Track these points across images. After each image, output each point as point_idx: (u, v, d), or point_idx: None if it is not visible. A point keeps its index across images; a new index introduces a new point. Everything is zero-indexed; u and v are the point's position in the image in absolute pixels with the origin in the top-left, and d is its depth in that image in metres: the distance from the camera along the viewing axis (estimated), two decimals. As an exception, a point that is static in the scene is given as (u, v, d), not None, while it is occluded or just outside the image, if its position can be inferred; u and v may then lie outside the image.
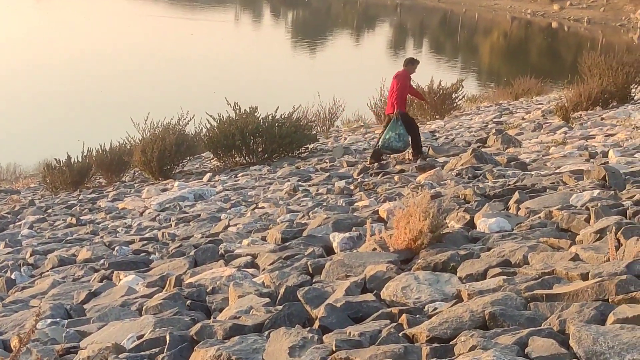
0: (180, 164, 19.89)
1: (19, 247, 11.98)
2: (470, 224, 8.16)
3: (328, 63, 62.39)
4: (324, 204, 11.95)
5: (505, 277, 5.62)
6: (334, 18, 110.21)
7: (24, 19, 79.40)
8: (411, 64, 16.74)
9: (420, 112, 25.70)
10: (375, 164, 15.88)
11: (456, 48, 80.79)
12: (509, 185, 10.29)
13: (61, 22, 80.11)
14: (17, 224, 14.71)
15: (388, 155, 16.49)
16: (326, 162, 17.60)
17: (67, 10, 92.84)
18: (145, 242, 10.70)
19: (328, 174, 15.51)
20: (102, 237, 12.00)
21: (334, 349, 4.68)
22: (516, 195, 8.90)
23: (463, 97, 28.22)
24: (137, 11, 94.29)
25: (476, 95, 36.88)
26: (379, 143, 16.31)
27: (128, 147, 20.16)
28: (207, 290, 7.07)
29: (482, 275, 5.96)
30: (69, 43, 63.40)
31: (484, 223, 7.87)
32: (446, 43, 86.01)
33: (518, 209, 8.52)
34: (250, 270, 7.74)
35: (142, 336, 5.77)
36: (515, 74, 38.38)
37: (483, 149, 15.46)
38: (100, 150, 19.93)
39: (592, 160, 13.01)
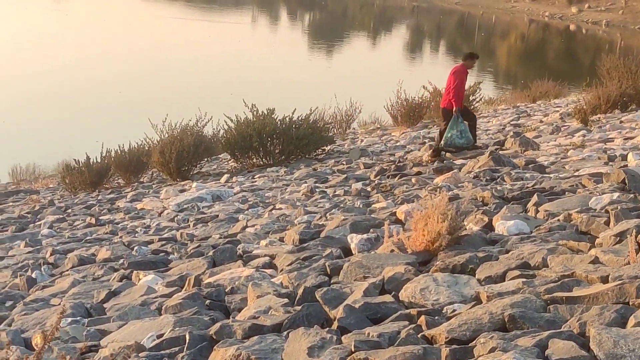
0: (198, 165, 19.95)
1: (39, 247, 12.06)
2: (489, 227, 8.16)
3: (345, 65, 62.40)
4: (341, 205, 11.96)
5: (524, 279, 5.62)
6: (350, 20, 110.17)
7: (43, 20, 79.77)
8: (470, 58, 16.70)
9: (437, 115, 25.68)
10: (436, 161, 15.90)
11: (473, 50, 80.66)
12: (527, 187, 10.28)
13: (80, 24, 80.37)
14: (36, 223, 14.80)
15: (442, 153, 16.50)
16: (343, 164, 17.62)
17: (86, 12, 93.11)
18: (164, 242, 10.75)
19: (345, 175, 15.53)
20: (121, 237, 12.06)
21: (352, 349, 4.70)
22: (535, 198, 8.89)
23: (480, 99, 28.17)
24: (154, 13, 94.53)
25: (494, 97, 36.82)
26: (442, 142, 16.33)
27: (146, 148, 20.21)
28: (226, 290, 7.11)
29: (501, 278, 5.97)
30: (88, 44, 63.65)
31: (503, 225, 7.87)
32: (463, 45, 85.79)
33: (537, 211, 8.51)
34: (269, 271, 7.77)
35: (162, 335, 5.81)
36: (533, 76, 38.30)
37: (501, 152, 15.44)
38: (118, 151, 20.00)
39: (611, 163, 12.97)
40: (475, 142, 16.48)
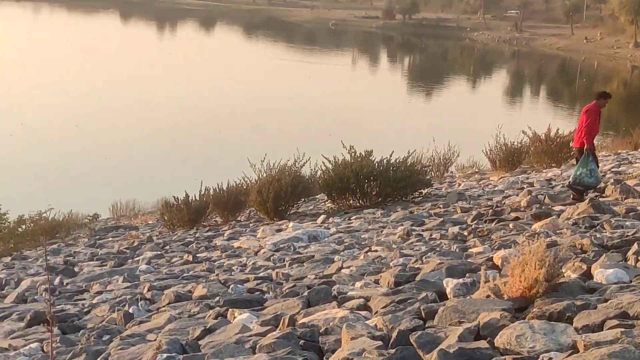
0: (295, 205, 20.06)
1: (136, 282, 12.25)
2: (587, 274, 8.02)
3: (444, 108, 62.29)
4: (437, 249, 11.90)
5: (623, 329, 5.52)
6: (450, 63, 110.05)
7: (149, 60, 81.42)
8: (603, 97, 16.59)
9: (537, 160, 25.44)
10: (577, 199, 15.76)
11: (574, 96, 79.72)
12: (627, 236, 10.08)
13: (184, 63, 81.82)
14: (135, 259, 15.06)
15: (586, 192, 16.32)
16: (440, 207, 17.54)
17: (190, 53, 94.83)
18: (259, 281, 10.82)
19: (442, 219, 15.45)
20: (217, 274, 12.17)
21: (446, 394, 4.67)
22: (635, 247, 8.72)
23: (581, 145, 27.75)
24: (255, 54, 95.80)
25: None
26: (570, 179, 16.23)
27: (244, 187, 20.43)
28: (320, 331, 7.11)
29: (599, 327, 5.86)
30: (190, 84, 64.72)
31: (601, 274, 7.74)
32: (564, 91, 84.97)
33: (637, 260, 8.35)
34: (363, 313, 7.75)
35: (256, 374, 5.84)
36: (635, 123, 37.66)
37: (601, 199, 15.19)
38: (217, 190, 20.25)
39: None
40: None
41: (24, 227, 20.55)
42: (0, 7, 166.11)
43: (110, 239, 19.13)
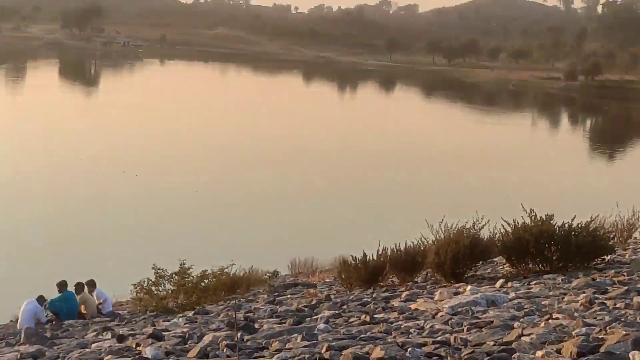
0: (473, 268, 19.85)
1: (315, 341, 12.33)
2: None
3: (628, 172, 60.73)
4: (622, 319, 11.54)
5: None
6: (634, 126, 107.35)
7: (328, 119, 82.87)
8: None
9: None
10: None
11: None
12: None
13: (362, 122, 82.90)
14: (313, 317, 15.18)
15: None
16: (624, 275, 17.01)
17: (368, 112, 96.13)
18: (437, 345, 10.72)
19: (626, 287, 14.97)
20: (394, 336, 12.14)
21: None
22: None
23: None
24: (432, 113, 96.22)
25: None
26: None
27: (422, 248, 20.38)
28: (500, 400, 7.01)
29: None
30: (369, 143, 65.43)
31: None
32: None
33: None
34: (545, 384, 7.60)
35: None
36: None
37: None
38: (394, 250, 20.28)
39: None
40: None
41: (206, 281, 21.08)
42: (189, 67, 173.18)
43: (289, 296, 19.38)
